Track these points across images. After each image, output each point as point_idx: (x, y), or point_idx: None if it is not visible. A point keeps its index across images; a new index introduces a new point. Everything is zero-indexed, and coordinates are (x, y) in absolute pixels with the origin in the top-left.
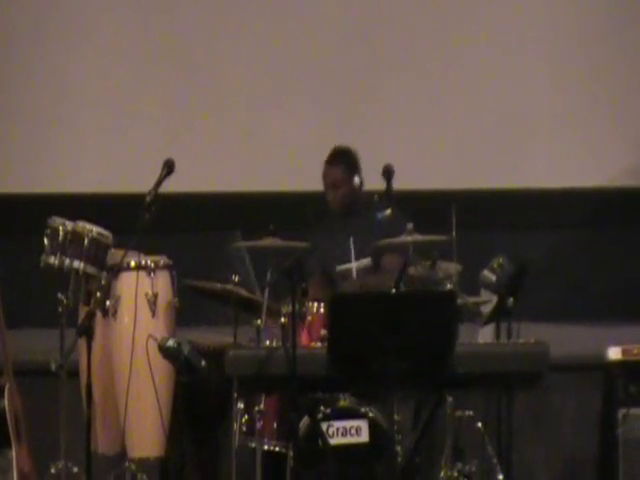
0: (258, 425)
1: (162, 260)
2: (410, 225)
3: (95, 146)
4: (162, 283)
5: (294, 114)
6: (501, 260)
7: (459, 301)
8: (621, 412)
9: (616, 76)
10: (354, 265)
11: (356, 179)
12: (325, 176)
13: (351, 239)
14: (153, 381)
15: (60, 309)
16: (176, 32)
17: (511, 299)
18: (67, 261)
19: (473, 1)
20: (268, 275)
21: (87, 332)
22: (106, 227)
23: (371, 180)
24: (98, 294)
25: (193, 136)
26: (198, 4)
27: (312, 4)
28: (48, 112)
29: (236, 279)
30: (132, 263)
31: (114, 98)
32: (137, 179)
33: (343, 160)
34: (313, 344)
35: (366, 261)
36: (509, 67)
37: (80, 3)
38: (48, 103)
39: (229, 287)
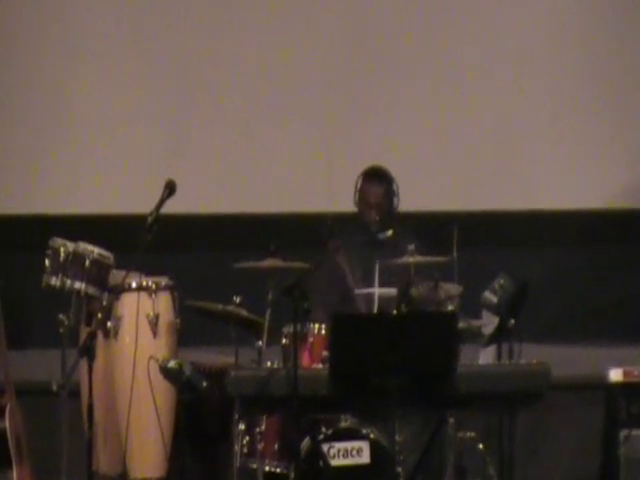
0: (259, 446)
1: (163, 281)
2: (412, 246)
3: (95, 167)
4: (163, 304)
5: (294, 136)
6: (502, 281)
7: (461, 324)
8: (622, 433)
9: (614, 98)
10: (377, 291)
11: (395, 200)
12: (367, 194)
13: (377, 263)
14: (154, 402)
15: (61, 330)
16: (175, 53)
17: (512, 320)
18: (68, 282)
19: (474, 25)
20: (269, 295)
21: (88, 353)
22: (107, 248)
23: None
24: (99, 315)
25: (194, 157)
26: (197, 25)
27: (310, 24)
28: (48, 133)
29: (238, 300)
30: (133, 284)
31: (114, 119)
32: (138, 200)
33: (386, 180)
34: (315, 365)
35: (390, 291)
36: (510, 89)
37: (79, 25)
38: (48, 124)
39: (230, 308)
